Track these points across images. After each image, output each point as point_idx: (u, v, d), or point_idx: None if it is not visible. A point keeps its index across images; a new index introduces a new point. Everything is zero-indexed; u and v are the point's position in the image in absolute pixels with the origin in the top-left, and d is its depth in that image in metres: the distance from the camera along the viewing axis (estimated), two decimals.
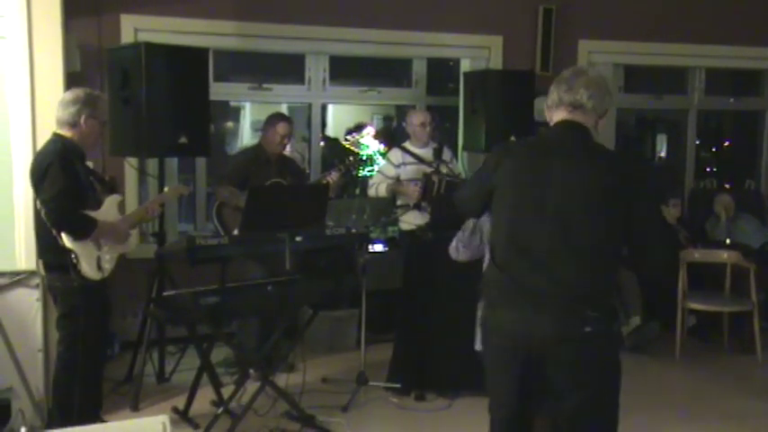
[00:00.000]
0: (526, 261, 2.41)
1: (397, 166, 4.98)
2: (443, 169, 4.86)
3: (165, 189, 4.28)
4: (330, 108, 7.46)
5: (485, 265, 2.63)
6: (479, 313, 2.67)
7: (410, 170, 4.95)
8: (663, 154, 8.43)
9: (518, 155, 2.56)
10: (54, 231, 3.41)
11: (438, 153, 4.97)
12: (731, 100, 7.23)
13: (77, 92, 3.55)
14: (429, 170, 4.80)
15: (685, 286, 5.24)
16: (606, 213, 2.39)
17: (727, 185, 6.92)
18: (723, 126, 8.30)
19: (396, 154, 5.02)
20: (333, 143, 7.29)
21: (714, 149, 8.16)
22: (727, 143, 8.23)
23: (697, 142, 7.06)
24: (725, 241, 5.81)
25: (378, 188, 5.01)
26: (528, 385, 2.48)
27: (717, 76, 6.93)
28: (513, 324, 2.43)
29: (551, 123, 2.58)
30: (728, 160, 7.94)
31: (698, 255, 5.34)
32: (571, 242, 2.37)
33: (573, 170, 2.41)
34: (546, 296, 2.37)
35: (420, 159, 4.90)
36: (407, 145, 5.04)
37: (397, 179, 4.97)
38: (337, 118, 8.30)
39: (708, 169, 7.75)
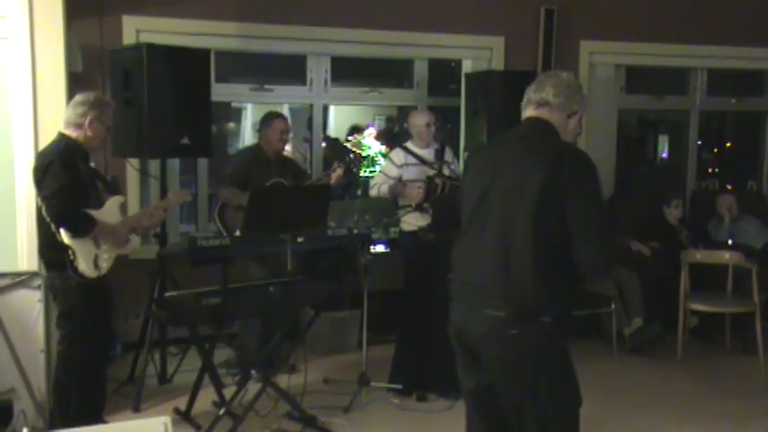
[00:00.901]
0: (471, 258, 2.49)
1: (400, 167, 4.98)
2: (445, 170, 4.86)
3: (169, 195, 4.28)
4: (331, 109, 7.46)
5: None
6: None
7: (412, 171, 4.95)
8: (665, 155, 8.42)
9: (481, 153, 2.71)
10: (54, 228, 3.44)
11: (440, 154, 4.97)
12: (733, 101, 7.21)
13: (88, 95, 3.62)
14: (431, 172, 4.80)
15: (687, 287, 5.23)
16: (541, 211, 2.32)
17: (728, 186, 6.92)
18: (725, 127, 8.29)
19: (398, 154, 5.02)
20: (334, 143, 7.28)
21: (716, 150, 8.15)
22: (729, 144, 8.21)
23: (699, 143, 7.05)
24: (727, 242, 5.81)
25: (380, 188, 5.01)
26: (476, 375, 2.55)
27: (719, 76, 6.92)
28: (457, 319, 2.55)
29: None
30: (730, 161, 7.93)
31: (700, 255, 5.33)
32: (508, 240, 2.38)
33: (519, 166, 2.44)
34: (480, 294, 2.43)
35: (422, 160, 4.90)
36: (410, 145, 5.04)
37: (399, 179, 4.97)
38: (339, 119, 8.29)
39: (710, 170, 7.74)
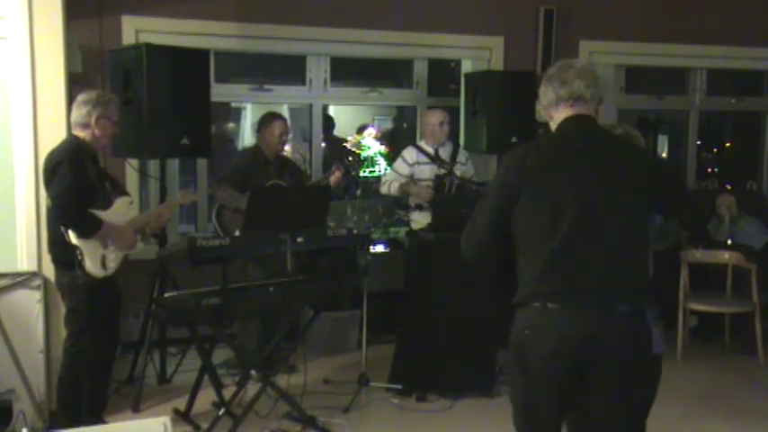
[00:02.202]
0: (582, 266, 2.35)
1: (411, 165, 4.98)
2: (457, 170, 4.86)
3: (177, 195, 4.29)
4: (332, 109, 7.45)
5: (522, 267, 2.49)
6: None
7: (424, 170, 4.95)
8: (664, 155, 8.41)
9: (542, 157, 2.44)
10: (62, 228, 3.46)
11: (454, 154, 4.97)
12: (732, 101, 7.22)
13: (90, 93, 3.64)
14: (442, 171, 4.80)
15: (687, 287, 5.24)
16: (637, 200, 2.41)
17: (728, 186, 6.91)
18: (724, 127, 8.28)
19: (410, 152, 5.02)
20: (334, 144, 7.29)
21: (715, 150, 8.14)
22: (728, 144, 8.21)
23: (698, 143, 7.05)
24: (726, 242, 5.81)
25: (390, 186, 5.01)
26: (573, 390, 2.45)
27: (718, 76, 6.93)
28: (571, 324, 2.36)
29: (553, 123, 2.53)
30: (730, 161, 7.93)
31: (700, 255, 5.34)
32: (623, 239, 2.37)
33: (605, 170, 2.40)
34: (608, 295, 2.37)
35: (434, 159, 4.90)
36: (423, 144, 5.04)
37: (411, 178, 4.97)
38: (339, 119, 8.28)
39: (709, 170, 7.73)
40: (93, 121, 3.56)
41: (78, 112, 3.58)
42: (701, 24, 6.35)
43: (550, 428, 2.47)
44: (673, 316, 5.22)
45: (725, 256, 5.32)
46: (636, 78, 6.68)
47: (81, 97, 3.62)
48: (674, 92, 6.90)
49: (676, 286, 5.21)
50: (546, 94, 2.51)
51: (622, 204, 2.38)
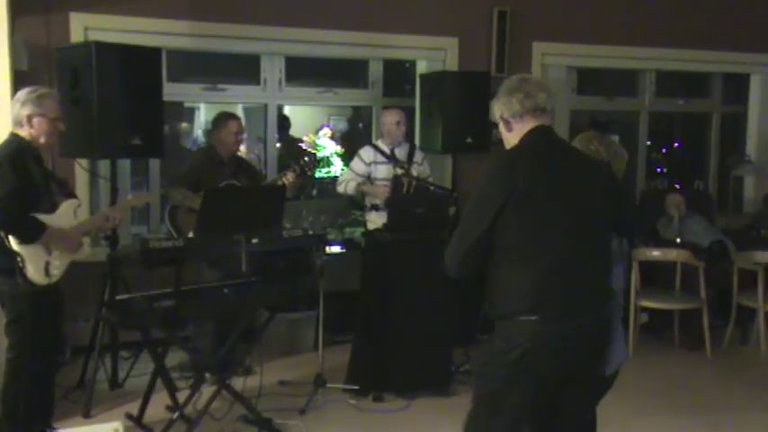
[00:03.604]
0: (574, 267, 2.45)
1: (368, 165, 4.97)
2: (414, 171, 4.87)
3: (129, 197, 4.20)
4: (287, 109, 7.41)
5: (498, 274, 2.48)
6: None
7: (381, 169, 4.95)
8: None
9: (525, 169, 2.44)
10: (3, 234, 3.32)
11: (410, 154, 4.98)
12: (680, 102, 7.39)
13: (24, 91, 3.49)
14: (399, 171, 4.80)
15: (638, 284, 5.34)
16: (607, 209, 2.57)
17: (677, 186, 7.07)
18: (673, 128, 8.47)
19: (367, 152, 5.01)
20: (290, 144, 7.25)
21: (664, 151, 8.32)
22: (676, 144, 8.40)
23: (648, 143, 7.20)
24: (675, 240, 5.94)
25: (347, 186, 4.99)
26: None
27: (667, 78, 7.08)
28: (554, 329, 2.41)
29: (514, 134, 2.55)
30: (678, 161, 8.11)
31: (649, 253, 5.45)
32: (592, 243, 2.52)
33: (581, 174, 2.55)
34: (587, 298, 2.50)
35: (391, 159, 4.91)
36: (380, 144, 5.04)
37: (368, 177, 4.97)
38: (294, 119, 8.24)
39: (658, 170, 7.90)
40: (27, 120, 3.42)
41: (14, 110, 3.45)
42: (651, 27, 6.48)
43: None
44: (624, 313, 5.31)
45: (674, 254, 5.45)
46: (587, 80, 6.79)
47: (17, 95, 3.49)
48: (624, 93, 7.03)
49: (628, 284, 5.31)
50: (510, 106, 2.53)
51: (599, 213, 2.53)
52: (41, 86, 3.61)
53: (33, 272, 3.37)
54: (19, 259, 3.33)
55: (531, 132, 2.52)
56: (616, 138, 8.46)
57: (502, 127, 2.61)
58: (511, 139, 2.58)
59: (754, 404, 4.49)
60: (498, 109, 2.59)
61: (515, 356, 2.40)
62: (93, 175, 4.96)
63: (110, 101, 4.18)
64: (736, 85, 7.35)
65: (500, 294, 2.45)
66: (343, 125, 8.60)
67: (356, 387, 4.44)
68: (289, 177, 4.68)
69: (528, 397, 2.46)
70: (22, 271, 3.34)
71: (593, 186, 2.54)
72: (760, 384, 4.83)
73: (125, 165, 5.33)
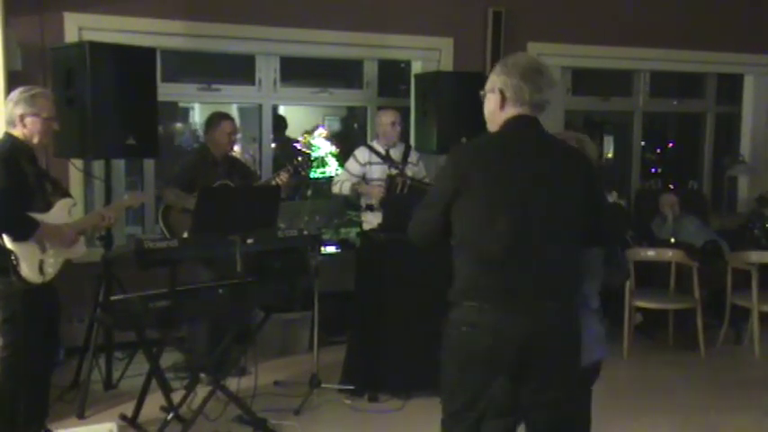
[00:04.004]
0: (517, 263, 2.38)
1: (363, 165, 4.98)
2: (409, 171, 4.88)
3: (125, 197, 4.20)
4: (282, 109, 7.41)
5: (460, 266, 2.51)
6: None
7: (376, 169, 4.95)
8: (610, 155, 8.59)
9: (484, 155, 2.48)
10: None
11: (405, 154, 4.99)
12: (675, 102, 7.42)
13: (17, 91, 3.49)
14: (394, 171, 4.81)
15: (632, 284, 5.35)
16: (575, 202, 2.45)
17: (671, 186, 7.10)
18: (667, 128, 8.50)
19: (362, 152, 5.02)
20: (285, 144, 7.24)
21: (659, 151, 8.35)
22: (670, 144, 8.42)
23: (642, 144, 7.22)
24: (670, 240, 5.96)
25: (342, 186, 5.00)
26: (504, 383, 2.49)
27: (661, 78, 7.10)
28: (508, 324, 2.39)
29: (502, 114, 2.51)
30: (672, 161, 8.13)
31: (644, 253, 5.46)
32: (546, 239, 2.39)
33: (550, 168, 2.45)
34: (539, 293, 2.39)
35: (386, 159, 4.91)
36: (375, 144, 5.04)
37: (363, 178, 4.97)
38: (289, 119, 8.24)
39: (652, 170, 7.92)
40: (20, 119, 3.42)
41: (7, 110, 3.44)
42: (645, 28, 6.50)
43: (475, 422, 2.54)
44: (619, 313, 5.33)
45: (668, 254, 5.46)
46: (582, 80, 6.81)
47: (11, 95, 3.49)
48: (618, 93, 7.05)
49: (622, 284, 5.32)
50: (517, 91, 2.47)
51: (564, 210, 2.42)
52: (35, 86, 3.60)
53: (27, 270, 3.36)
54: (13, 257, 3.32)
55: (511, 120, 2.49)
56: (610, 138, 8.52)
57: (493, 100, 2.53)
58: (496, 116, 2.53)
59: (748, 404, 4.51)
60: (501, 83, 2.50)
61: (457, 342, 2.47)
62: (88, 175, 4.94)
63: (104, 101, 4.17)
64: (730, 86, 7.37)
65: (454, 280, 2.50)
66: (338, 125, 8.61)
67: (351, 387, 4.44)
68: (282, 177, 4.68)
69: (476, 386, 2.47)
70: (15, 269, 3.33)
71: (560, 181, 2.43)
72: (753, 384, 4.85)
73: (119, 165, 5.32)
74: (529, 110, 2.49)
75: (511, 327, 2.37)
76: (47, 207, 3.51)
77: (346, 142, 7.49)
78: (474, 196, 2.40)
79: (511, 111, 2.50)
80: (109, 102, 4.20)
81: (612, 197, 5.90)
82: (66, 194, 3.75)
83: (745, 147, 7.26)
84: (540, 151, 2.49)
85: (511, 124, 2.50)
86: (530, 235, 2.37)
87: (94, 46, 4.20)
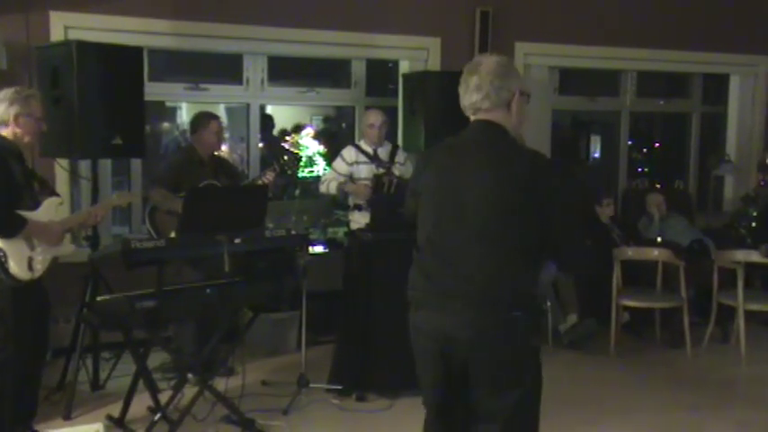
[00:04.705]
0: (446, 265, 2.41)
1: (350, 164, 4.98)
2: (396, 170, 4.88)
3: (114, 195, 4.18)
4: (269, 108, 7.40)
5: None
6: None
7: (363, 169, 4.96)
8: (597, 155, 8.63)
9: (438, 157, 2.56)
10: None
11: (392, 154, 4.99)
12: (661, 102, 7.46)
13: (8, 90, 3.49)
14: (381, 170, 4.82)
15: (620, 283, 5.38)
16: (515, 215, 2.35)
17: (657, 185, 7.14)
18: (654, 128, 8.54)
19: (350, 152, 5.02)
20: (273, 143, 7.23)
21: (645, 150, 8.39)
22: (657, 144, 8.47)
23: (629, 143, 7.26)
24: (656, 239, 5.99)
25: (329, 185, 5.00)
26: (451, 384, 2.49)
27: (648, 78, 7.14)
28: (436, 328, 2.44)
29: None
30: (659, 161, 8.18)
31: (631, 253, 5.49)
32: (486, 243, 2.35)
33: (486, 174, 2.38)
34: (463, 299, 2.37)
35: (374, 159, 4.91)
36: (362, 144, 5.05)
37: (350, 177, 4.97)
38: (276, 119, 8.23)
39: (639, 170, 7.96)
40: (13, 120, 3.43)
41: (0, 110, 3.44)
42: (632, 28, 6.53)
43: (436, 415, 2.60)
44: (606, 312, 5.35)
45: (655, 253, 5.49)
46: (569, 80, 6.83)
47: (1, 94, 3.49)
48: (605, 93, 7.08)
49: (610, 283, 5.35)
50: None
51: (494, 213, 2.35)
52: (26, 87, 3.61)
53: (16, 267, 3.37)
54: (1, 254, 3.32)
55: (472, 123, 2.52)
56: (597, 138, 8.56)
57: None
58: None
59: (733, 402, 4.54)
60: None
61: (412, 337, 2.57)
62: (74, 175, 4.92)
63: (90, 100, 4.15)
64: (716, 86, 7.42)
65: None
66: (326, 125, 8.60)
67: (339, 387, 4.43)
68: (269, 177, 4.68)
69: (426, 384, 2.55)
70: (4, 266, 3.34)
71: (497, 188, 2.35)
72: (739, 382, 4.89)
73: (106, 164, 5.29)
74: (471, 114, 2.51)
75: (435, 328, 2.44)
76: (35, 205, 3.52)
77: (334, 142, 7.48)
78: (422, 199, 2.52)
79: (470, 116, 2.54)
80: (95, 101, 4.18)
81: (605, 210, 5.95)
82: (54, 193, 3.77)
83: (731, 146, 7.31)
84: (480, 158, 2.43)
85: (466, 128, 2.55)
86: (455, 239, 2.39)
87: (81, 45, 4.18)
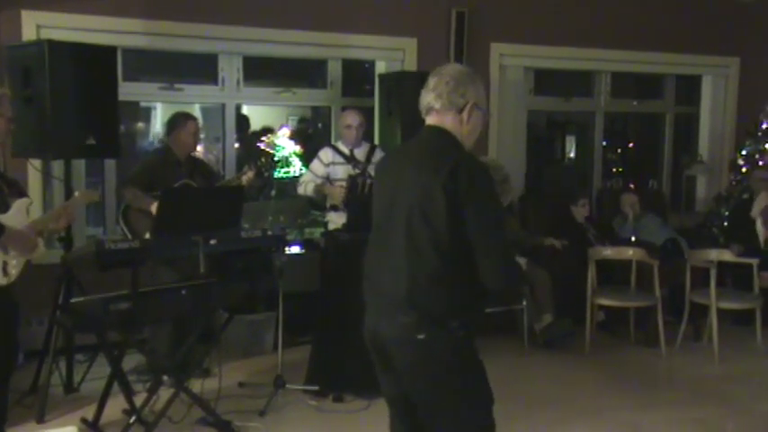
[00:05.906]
0: (380, 266, 2.48)
1: (327, 165, 4.98)
2: (372, 171, 4.88)
3: (76, 194, 4.11)
4: (245, 109, 7.36)
5: None
6: None
7: (339, 170, 4.95)
8: (572, 155, 8.69)
9: (385, 162, 2.68)
10: None
11: (369, 154, 4.99)
12: (635, 103, 7.54)
13: None
14: (356, 171, 4.82)
15: (594, 283, 5.43)
16: (441, 222, 2.27)
17: (631, 185, 7.21)
18: (628, 128, 8.63)
19: (326, 153, 5.02)
20: (248, 144, 7.20)
21: (619, 150, 8.47)
22: (631, 144, 8.55)
23: (604, 144, 7.32)
24: (631, 239, 6.05)
25: (306, 187, 5.00)
26: (392, 380, 2.54)
27: (622, 79, 7.21)
28: (369, 324, 2.53)
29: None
30: (633, 161, 8.26)
31: (606, 252, 5.54)
32: (413, 249, 2.33)
33: (418, 178, 2.34)
34: (389, 300, 2.41)
35: (350, 159, 4.91)
36: (339, 145, 5.04)
37: (327, 178, 4.96)
38: (252, 119, 8.19)
39: (614, 170, 8.03)
40: None
41: None
42: (606, 30, 6.60)
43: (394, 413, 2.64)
44: (581, 311, 5.40)
45: (629, 252, 5.55)
46: (544, 81, 6.88)
47: None
48: (580, 94, 7.14)
49: (584, 282, 5.39)
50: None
51: (416, 218, 2.31)
52: None
53: None
54: None
55: (422, 129, 2.52)
56: (572, 138, 8.62)
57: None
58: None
59: (707, 400, 4.59)
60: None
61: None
62: (47, 175, 4.86)
63: (63, 100, 4.11)
64: (689, 87, 7.52)
65: None
66: (302, 125, 8.57)
67: (316, 388, 4.43)
68: (249, 175, 4.67)
69: (377, 372, 2.60)
70: None
71: (425, 194, 2.29)
72: (712, 380, 4.95)
73: (80, 165, 5.24)
74: (425, 114, 2.52)
75: (369, 324, 2.52)
76: (5, 207, 3.45)
77: (310, 143, 7.46)
78: (372, 203, 2.58)
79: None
80: (68, 101, 4.14)
81: (580, 210, 5.99)
82: (23, 194, 3.68)
83: (703, 147, 7.41)
84: (419, 164, 2.38)
85: (418, 133, 2.56)
86: (387, 243, 2.43)
87: (53, 44, 4.14)
